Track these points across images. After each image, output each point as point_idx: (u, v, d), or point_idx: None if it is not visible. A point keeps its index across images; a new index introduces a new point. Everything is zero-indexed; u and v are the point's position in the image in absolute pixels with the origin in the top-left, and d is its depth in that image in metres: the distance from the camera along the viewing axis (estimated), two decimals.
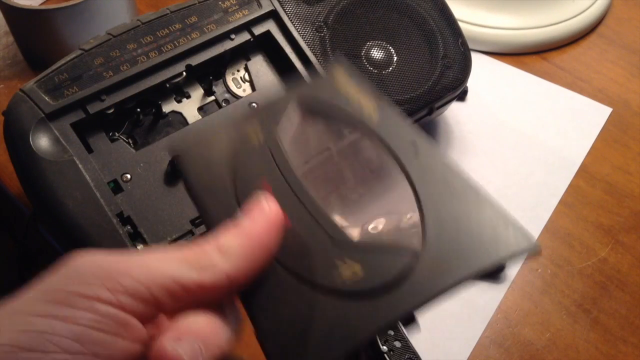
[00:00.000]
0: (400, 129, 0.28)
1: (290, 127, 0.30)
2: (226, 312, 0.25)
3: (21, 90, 0.42)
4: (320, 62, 0.47)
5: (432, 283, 0.23)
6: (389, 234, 0.25)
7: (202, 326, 0.23)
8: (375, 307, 0.23)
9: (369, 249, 0.25)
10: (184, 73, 0.45)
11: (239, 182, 0.28)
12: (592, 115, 0.59)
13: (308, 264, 0.25)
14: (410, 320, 0.25)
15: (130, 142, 0.44)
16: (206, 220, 0.28)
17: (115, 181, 0.41)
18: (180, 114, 0.46)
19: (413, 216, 0.25)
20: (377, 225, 0.26)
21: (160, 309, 0.23)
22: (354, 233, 0.26)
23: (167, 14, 0.46)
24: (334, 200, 0.27)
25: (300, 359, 0.23)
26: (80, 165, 0.40)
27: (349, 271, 0.24)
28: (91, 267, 0.23)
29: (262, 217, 0.26)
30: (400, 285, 0.23)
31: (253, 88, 0.48)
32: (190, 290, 0.23)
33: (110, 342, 0.22)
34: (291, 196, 0.27)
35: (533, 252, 0.23)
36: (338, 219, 0.26)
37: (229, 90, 0.47)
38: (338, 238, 0.26)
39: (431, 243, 0.24)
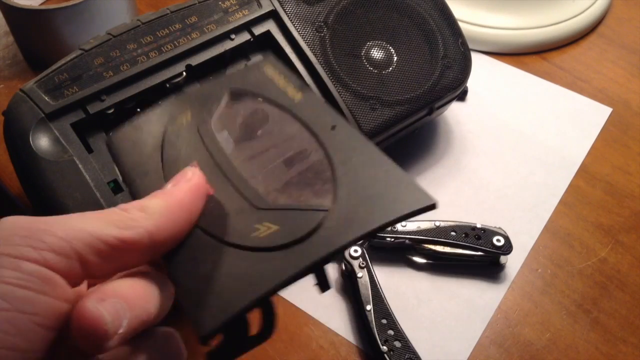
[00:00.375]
0: (321, 111, 0.31)
1: (218, 110, 0.32)
2: (155, 280, 0.25)
3: (21, 90, 0.42)
4: (320, 62, 0.47)
5: (339, 236, 0.25)
6: (305, 196, 0.27)
7: (128, 289, 0.24)
8: (285, 259, 0.25)
9: (285, 210, 0.27)
10: (184, 73, 0.45)
11: (166, 159, 0.30)
12: (592, 115, 0.59)
13: (228, 228, 0.27)
14: (324, 285, 0.27)
15: None
16: (134, 195, 0.29)
17: (115, 181, 0.41)
18: None
19: (326, 178, 0.27)
20: (294, 189, 0.28)
21: (87, 268, 0.24)
22: (273, 198, 0.27)
23: (167, 14, 0.46)
24: (257, 171, 0.29)
25: (214, 309, 0.24)
26: (80, 165, 0.40)
27: (266, 231, 0.26)
28: (16, 228, 0.23)
29: (185, 182, 0.27)
30: (310, 239, 0.25)
31: None
32: (113, 246, 0.24)
33: (35, 299, 0.22)
34: (216, 171, 0.29)
35: (430, 208, 0.25)
36: (260, 188, 0.28)
37: None
38: (259, 205, 0.27)
39: (341, 201, 0.26)
